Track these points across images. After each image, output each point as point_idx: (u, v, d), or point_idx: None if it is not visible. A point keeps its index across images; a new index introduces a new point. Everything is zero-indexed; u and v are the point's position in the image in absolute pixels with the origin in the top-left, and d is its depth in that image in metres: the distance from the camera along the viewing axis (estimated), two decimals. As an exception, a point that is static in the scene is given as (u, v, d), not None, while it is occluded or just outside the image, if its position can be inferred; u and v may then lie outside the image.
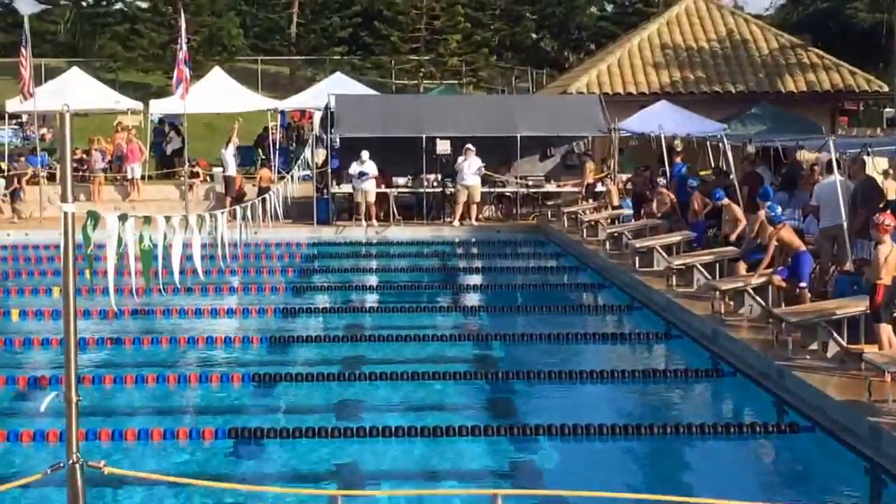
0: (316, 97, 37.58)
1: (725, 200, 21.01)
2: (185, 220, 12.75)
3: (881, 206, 17.82)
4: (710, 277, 19.27)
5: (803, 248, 16.95)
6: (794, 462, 12.46)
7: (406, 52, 59.23)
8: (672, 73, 37.55)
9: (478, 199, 31.55)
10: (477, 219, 31.83)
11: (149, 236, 9.70)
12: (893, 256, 13.65)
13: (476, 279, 24.89)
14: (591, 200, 30.67)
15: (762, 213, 18.23)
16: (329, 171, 32.22)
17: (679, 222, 23.94)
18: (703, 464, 12.61)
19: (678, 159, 26.89)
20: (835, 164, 18.38)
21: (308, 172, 33.94)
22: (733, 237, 20.35)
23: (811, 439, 12.61)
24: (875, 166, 18.97)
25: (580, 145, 34.20)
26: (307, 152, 34.88)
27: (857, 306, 14.45)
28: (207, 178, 37.08)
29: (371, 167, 30.97)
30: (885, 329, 13.69)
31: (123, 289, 11.78)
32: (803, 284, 16.48)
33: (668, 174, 26.23)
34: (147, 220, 9.69)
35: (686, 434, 12.85)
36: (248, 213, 21.73)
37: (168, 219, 10.94)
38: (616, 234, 25.56)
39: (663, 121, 28.84)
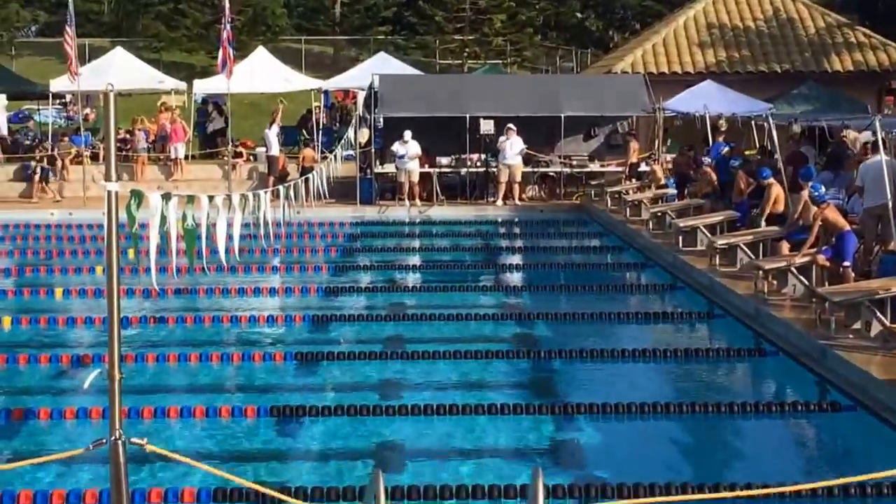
0: (359, 77, 37.64)
1: (770, 180, 20.91)
2: (229, 200, 12.81)
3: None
4: (753, 257, 19.21)
5: (847, 227, 16.86)
6: (836, 441, 12.45)
7: (450, 31, 59.20)
8: (717, 53, 37.37)
9: (519, 178, 31.51)
10: (520, 198, 31.82)
11: (192, 215, 9.77)
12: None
13: (518, 259, 24.91)
14: (634, 180, 30.60)
15: (805, 193, 18.14)
16: (372, 150, 32.29)
17: (720, 201, 23.86)
18: (744, 443, 12.62)
19: (720, 139, 26.76)
20: (880, 143, 18.24)
21: (351, 152, 34.03)
22: (763, 218, 20.32)
23: (853, 418, 12.56)
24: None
25: (624, 125, 34.10)
26: (350, 132, 34.95)
27: (901, 286, 14.39)
28: (251, 158, 37.26)
29: (414, 147, 31.01)
30: (927, 309, 13.64)
31: (167, 268, 11.84)
32: (847, 264, 16.41)
33: (713, 154, 26.12)
34: (190, 199, 9.75)
35: (728, 413, 12.83)
36: (291, 192, 21.79)
37: (211, 198, 10.99)
38: (659, 214, 25.49)
39: (708, 100, 28.73)
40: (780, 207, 20.54)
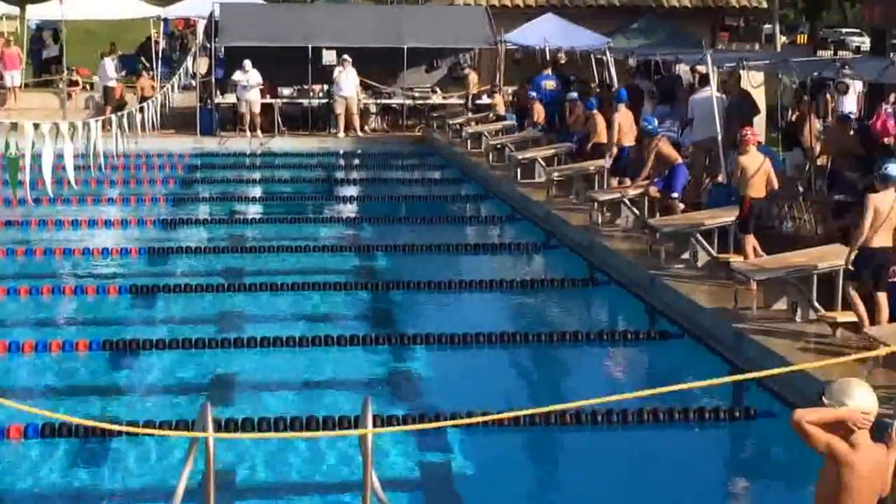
0: (200, 5, 36.78)
1: (594, 110, 21.33)
2: (56, 128, 12.56)
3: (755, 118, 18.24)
4: (588, 188, 19.55)
5: (679, 160, 17.25)
6: (664, 367, 12.82)
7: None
8: (558, -14, 37.51)
9: (356, 110, 31.38)
10: (362, 130, 31.75)
11: (15, 143, 9.58)
12: (762, 168, 14.03)
13: (360, 191, 24.95)
14: (474, 113, 30.77)
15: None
16: (213, 80, 31.80)
17: (554, 134, 24.23)
18: (577, 370, 12.94)
19: (547, 71, 26.94)
20: (712, 77, 18.68)
21: (192, 82, 33.46)
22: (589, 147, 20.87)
23: (681, 345, 12.98)
24: (750, 80, 19.29)
25: (466, 57, 34.19)
26: (189, 61, 34.36)
27: (726, 216, 14.83)
28: (87, 86, 36.41)
29: (255, 77, 30.66)
30: (750, 240, 14.09)
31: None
32: (675, 195, 16.82)
33: (532, 87, 26.32)
34: (14, 126, 9.55)
35: (562, 341, 13.14)
36: (125, 122, 21.39)
37: (37, 126, 10.76)
38: (499, 146, 25.70)
39: (548, 33, 28.91)
40: (603, 138, 20.96)
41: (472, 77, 32.22)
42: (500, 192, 22.98)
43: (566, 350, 13.12)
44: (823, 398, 5.65)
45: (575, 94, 23.89)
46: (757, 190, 14.07)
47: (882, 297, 11.35)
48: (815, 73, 17.38)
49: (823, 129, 18.91)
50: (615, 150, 19.28)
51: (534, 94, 25.73)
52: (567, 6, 36.05)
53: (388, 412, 10.50)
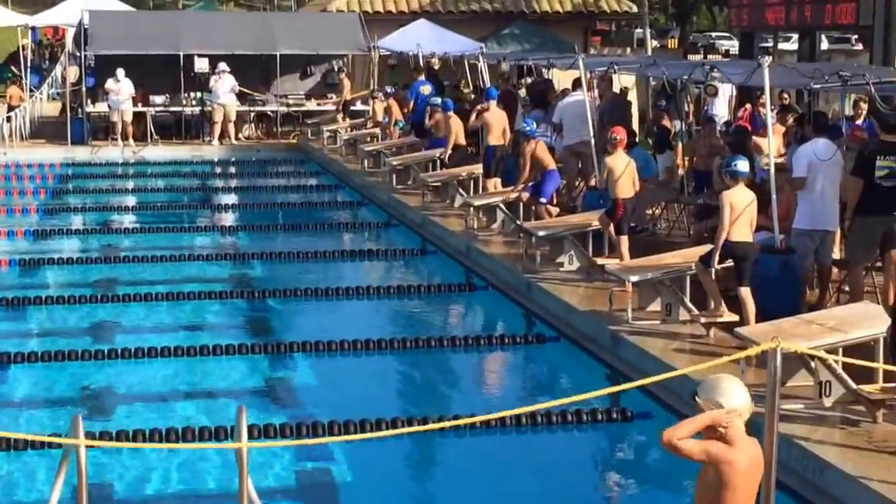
0: (69, 13, 36.32)
1: (450, 112, 21.66)
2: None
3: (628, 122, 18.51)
4: (464, 194, 19.66)
5: (553, 166, 17.41)
6: (542, 371, 12.95)
7: (163, -34, 57.88)
8: (431, -8, 37.69)
9: (233, 118, 31.18)
10: (237, 138, 31.54)
11: None
12: (628, 169, 14.27)
13: (235, 198, 24.76)
14: (348, 118, 30.76)
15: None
16: (83, 89, 31.32)
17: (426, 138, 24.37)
18: (457, 376, 12.98)
19: (422, 76, 27.03)
20: (584, 81, 18.90)
21: (62, 91, 32.90)
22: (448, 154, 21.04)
23: (557, 348, 13.11)
24: (620, 84, 19.61)
25: (340, 63, 34.17)
26: (58, 70, 33.79)
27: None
28: (-46, 97, 35.64)
29: (127, 85, 30.26)
30: (624, 241, 14.30)
31: None
32: (543, 200, 16.97)
33: (412, 93, 26.41)
34: None
35: (440, 347, 13.18)
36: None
37: None
38: (375, 153, 25.71)
39: (421, 39, 29.01)
40: (461, 140, 21.38)
41: (346, 83, 32.21)
42: (376, 198, 22.98)
43: (445, 355, 13.16)
44: (696, 396, 5.75)
45: (436, 99, 24.05)
46: (626, 191, 14.32)
47: (745, 292, 11.66)
48: (684, 76, 17.70)
49: (695, 131, 19.26)
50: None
51: (410, 97, 25.82)
52: (440, 12, 36.24)
53: (266, 420, 10.44)
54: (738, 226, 11.60)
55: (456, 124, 21.38)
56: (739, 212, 11.57)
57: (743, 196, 11.69)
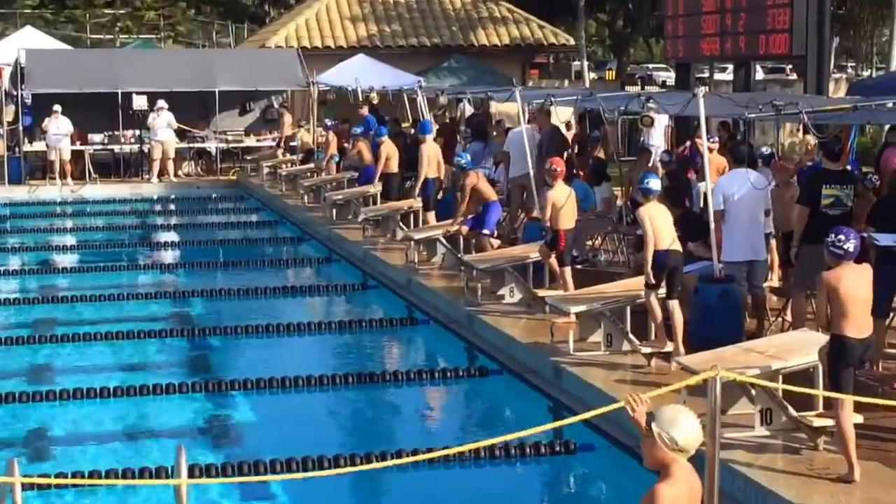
0: (5, 52, 36.09)
1: (383, 138, 22.12)
2: None
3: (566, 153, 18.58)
4: (404, 228, 19.65)
5: (494, 198, 17.46)
6: (484, 404, 12.93)
7: (100, 5, 57.48)
8: (369, 28, 37.81)
9: (172, 155, 31.06)
10: (176, 175, 31.40)
11: None
12: (569, 200, 14.32)
13: (175, 236, 24.61)
14: (288, 154, 30.72)
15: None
16: (20, 128, 31.08)
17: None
18: (400, 411, 12.93)
19: (366, 111, 26.98)
20: (521, 114, 19.00)
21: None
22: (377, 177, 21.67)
23: (500, 381, 13.09)
24: (558, 116, 19.70)
25: (280, 99, 34.16)
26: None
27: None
28: None
29: (65, 124, 30.06)
30: (567, 272, 14.34)
31: None
32: (486, 232, 17.04)
33: (365, 127, 26.41)
34: None
35: (383, 382, 13.14)
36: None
37: None
38: (315, 187, 25.67)
39: (360, 74, 29.06)
40: (393, 167, 21.65)
41: (286, 118, 32.16)
42: (317, 233, 22.93)
43: (387, 390, 13.12)
44: (653, 425, 5.63)
45: (357, 129, 24.15)
46: (568, 222, 14.37)
47: (675, 304, 11.83)
48: (621, 107, 17.82)
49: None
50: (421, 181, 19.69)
51: (357, 130, 25.74)
52: (379, 47, 36.38)
53: (207, 459, 10.34)
54: (664, 236, 11.92)
55: (388, 149, 21.55)
56: (659, 224, 11.90)
57: (659, 210, 12.09)
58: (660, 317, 11.99)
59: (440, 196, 20.50)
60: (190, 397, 12.65)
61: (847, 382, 8.85)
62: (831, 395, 8.87)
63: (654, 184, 12.23)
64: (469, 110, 27.47)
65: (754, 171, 13.48)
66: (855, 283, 8.86)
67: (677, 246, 12.09)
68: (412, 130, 25.26)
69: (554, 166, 14.57)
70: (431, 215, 19.47)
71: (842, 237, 8.90)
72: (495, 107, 27.85)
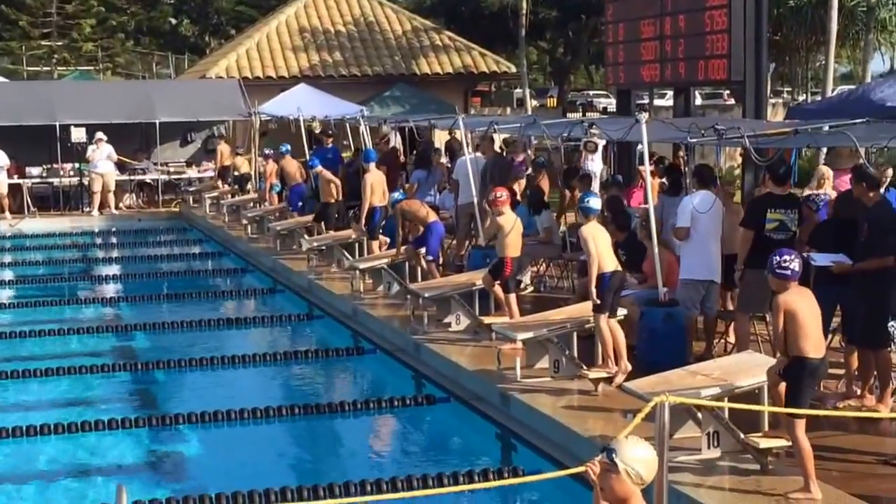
0: (-61, 86, 35.81)
1: (317, 168, 22.19)
2: None
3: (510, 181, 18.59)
4: (349, 257, 19.56)
5: (433, 218, 17.42)
6: (432, 432, 12.84)
7: (37, 37, 57.00)
8: (311, 57, 37.77)
9: (113, 187, 30.83)
10: (117, 207, 31.15)
11: None
12: (515, 227, 14.27)
13: (117, 269, 24.34)
14: (226, 185, 30.52)
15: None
16: (-44, 163, 30.73)
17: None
18: (347, 441, 12.83)
19: (329, 142, 26.90)
20: (464, 142, 19.00)
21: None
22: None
23: (447, 409, 13.01)
24: (500, 143, 19.75)
25: (220, 129, 34.00)
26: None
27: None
28: None
29: (2, 158, 29.74)
30: (513, 299, 14.31)
31: None
32: (430, 258, 17.00)
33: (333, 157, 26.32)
34: None
35: (329, 413, 13.03)
36: None
37: None
38: (258, 218, 25.53)
39: (302, 103, 28.99)
40: (330, 199, 21.78)
41: (223, 149, 31.83)
42: (261, 264, 22.79)
43: (334, 421, 13.02)
44: (615, 457, 5.47)
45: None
46: (514, 249, 14.31)
47: (616, 325, 12.00)
48: (564, 134, 17.86)
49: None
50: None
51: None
52: (321, 76, 36.36)
53: (151, 495, 10.18)
54: (606, 257, 11.98)
55: (324, 178, 21.74)
56: (602, 244, 11.98)
57: (599, 229, 12.19)
58: (610, 341, 11.97)
59: (383, 224, 20.43)
60: (133, 433, 12.46)
61: (807, 401, 8.91)
62: (776, 409, 8.93)
63: (595, 203, 12.31)
64: (399, 140, 27.51)
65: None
66: (810, 304, 8.93)
67: (618, 266, 12.12)
68: (353, 160, 25.20)
69: (498, 193, 14.52)
70: (376, 244, 19.40)
71: (786, 258, 8.94)
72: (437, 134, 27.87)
